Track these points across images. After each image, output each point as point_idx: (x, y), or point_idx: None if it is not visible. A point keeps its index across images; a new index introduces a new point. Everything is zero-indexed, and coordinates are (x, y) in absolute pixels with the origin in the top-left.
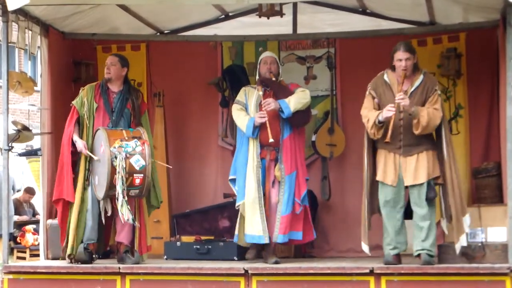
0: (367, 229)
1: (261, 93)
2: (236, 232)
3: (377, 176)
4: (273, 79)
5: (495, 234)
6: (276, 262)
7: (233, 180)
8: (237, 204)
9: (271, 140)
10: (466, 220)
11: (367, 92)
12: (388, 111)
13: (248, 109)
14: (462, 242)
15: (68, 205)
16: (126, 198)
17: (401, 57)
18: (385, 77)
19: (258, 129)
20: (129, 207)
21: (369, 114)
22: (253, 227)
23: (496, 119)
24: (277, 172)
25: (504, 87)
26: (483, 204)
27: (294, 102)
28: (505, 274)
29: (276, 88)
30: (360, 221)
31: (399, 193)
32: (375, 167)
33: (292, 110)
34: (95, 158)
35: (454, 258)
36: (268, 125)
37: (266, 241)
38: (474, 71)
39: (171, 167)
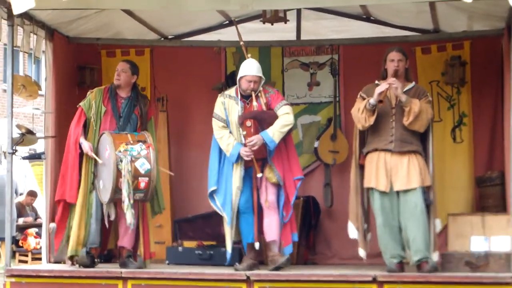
0: (364, 238)
1: (244, 132)
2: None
3: (368, 183)
4: (254, 103)
5: (499, 243)
6: (284, 264)
7: (214, 192)
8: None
9: (259, 175)
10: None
11: (358, 96)
12: (381, 87)
13: (229, 124)
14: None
15: (68, 206)
16: (131, 201)
17: (393, 58)
18: (376, 82)
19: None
20: (133, 212)
21: (359, 105)
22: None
23: (500, 127)
24: (269, 174)
25: (509, 95)
26: (487, 213)
27: (278, 133)
28: (508, 283)
29: (260, 118)
30: None
31: (392, 200)
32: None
33: (277, 142)
34: (99, 161)
35: (457, 267)
36: (254, 161)
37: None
38: (478, 79)
39: (173, 174)
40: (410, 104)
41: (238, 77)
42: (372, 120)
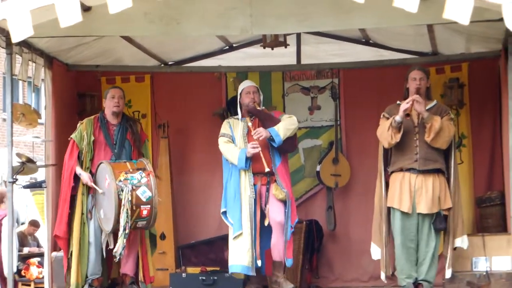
0: (386, 259)
1: (250, 124)
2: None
3: (391, 203)
4: (258, 108)
5: (500, 263)
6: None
7: (225, 213)
8: (234, 235)
9: (267, 169)
10: (462, 240)
11: (381, 117)
12: (406, 104)
13: (234, 141)
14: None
15: (66, 238)
16: (127, 231)
17: (415, 76)
18: (398, 102)
19: (250, 160)
20: (124, 243)
21: (384, 124)
22: (241, 258)
23: (499, 148)
24: (275, 191)
25: (507, 116)
26: (487, 233)
27: (283, 129)
28: None
29: (263, 117)
30: (366, 250)
31: (413, 221)
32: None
33: (282, 138)
34: (99, 190)
35: None
36: (262, 154)
37: (253, 273)
38: (476, 100)
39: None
40: (431, 121)
41: (238, 98)
42: (398, 137)
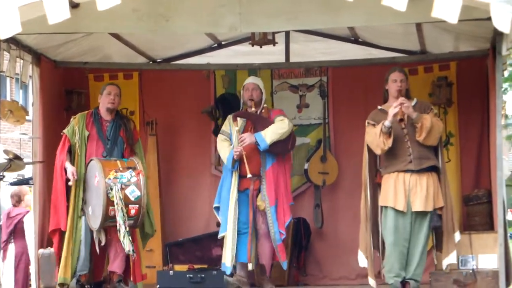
0: (371, 262)
1: (237, 128)
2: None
3: (385, 202)
4: (253, 108)
5: (486, 261)
6: None
7: (217, 208)
8: (220, 235)
9: (249, 175)
10: (456, 236)
11: (366, 124)
12: (394, 108)
13: (232, 139)
14: (451, 259)
15: (63, 234)
16: (127, 229)
17: (396, 78)
18: (379, 107)
19: (238, 162)
20: (130, 238)
21: (372, 131)
22: (225, 257)
23: (486, 147)
24: (259, 202)
25: (494, 115)
26: (474, 231)
27: (271, 134)
28: None
29: (254, 120)
30: (353, 249)
31: (408, 219)
32: (376, 195)
33: (269, 143)
34: (69, 183)
35: (446, 286)
36: (245, 160)
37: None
38: (464, 99)
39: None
40: (421, 120)
41: (242, 93)
42: (390, 142)
